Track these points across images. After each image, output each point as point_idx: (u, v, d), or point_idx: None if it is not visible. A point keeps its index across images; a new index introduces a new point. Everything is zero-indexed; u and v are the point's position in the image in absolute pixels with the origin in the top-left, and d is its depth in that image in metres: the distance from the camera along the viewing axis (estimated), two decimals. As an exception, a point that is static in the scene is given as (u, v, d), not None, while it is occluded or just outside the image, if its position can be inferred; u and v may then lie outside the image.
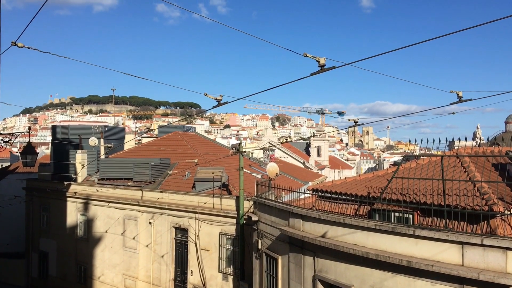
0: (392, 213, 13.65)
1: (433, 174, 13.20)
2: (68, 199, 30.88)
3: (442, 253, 10.82)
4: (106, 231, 28.74)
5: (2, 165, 41.32)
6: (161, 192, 26.52)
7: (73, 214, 30.80)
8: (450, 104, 11.26)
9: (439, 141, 12.25)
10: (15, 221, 35.68)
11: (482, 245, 10.21)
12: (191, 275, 24.58)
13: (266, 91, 11.22)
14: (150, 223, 26.51)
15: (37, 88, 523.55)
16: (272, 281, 17.33)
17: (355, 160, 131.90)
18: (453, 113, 15.13)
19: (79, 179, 31.88)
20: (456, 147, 16.00)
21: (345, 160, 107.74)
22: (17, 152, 47.48)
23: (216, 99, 11.70)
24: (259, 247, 18.32)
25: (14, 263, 34.65)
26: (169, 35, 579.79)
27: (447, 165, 13.94)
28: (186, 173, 28.17)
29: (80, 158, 32.04)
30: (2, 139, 20.11)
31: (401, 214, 13.47)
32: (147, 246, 26.71)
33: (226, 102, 11.88)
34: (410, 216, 13.19)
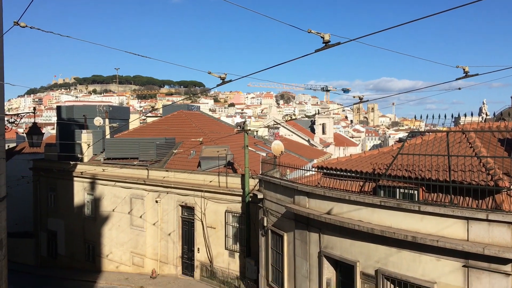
0: (397, 190, 13.67)
1: (438, 150, 13.15)
2: (75, 179, 31.12)
3: (447, 228, 10.87)
4: (113, 210, 29.03)
5: (8, 146, 41.60)
6: (166, 171, 26.66)
7: (80, 194, 31.09)
8: (457, 79, 11.14)
9: (445, 117, 12.17)
10: (23, 201, 36.08)
11: (487, 220, 10.24)
12: (198, 252, 24.89)
13: (270, 68, 11.14)
14: (156, 201, 26.72)
15: (41, 68, 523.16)
16: (278, 258, 17.53)
17: (360, 137, 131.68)
18: (459, 89, 14.99)
19: (85, 159, 32.06)
20: (462, 123, 15.90)
21: (350, 137, 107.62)
22: (23, 133, 47.75)
23: (220, 77, 11.63)
24: (265, 224, 18.48)
25: (23, 242, 35.17)
26: (173, 13, 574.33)
27: (453, 141, 13.88)
28: (191, 152, 28.25)
29: (85, 138, 32.16)
30: (7, 120, 20.14)
31: (406, 191, 13.49)
32: (154, 224, 26.99)
33: (230, 80, 11.80)
34: (415, 192, 13.20)
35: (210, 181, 24.28)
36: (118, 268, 28.88)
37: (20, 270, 32.00)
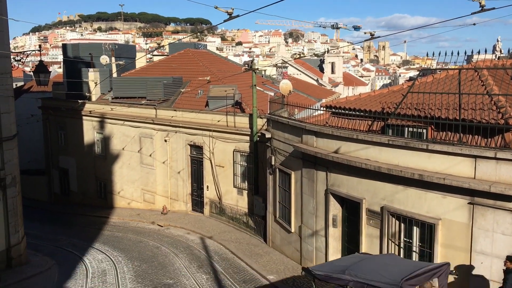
0: (406, 129, 13.61)
1: (449, 88, 12.92)
2: (84, 117, 31.31)
3: (454, 166, 10.90)
4: (123, 148, 29.40)
5: (16, 85, 41.51)
6: (174, 110, 26.67)
7: (89, 133, 31.40)
8: (472, 14, 10.74)
9: (458, 54, 11.86)
10: (34, 139, 36.53)
11: (495, 158, 10.24)
12: (207, 190, 25.41)
13: (279, 2, 10.74)
14: (165, 140, 26.96)
15: (44, 4, 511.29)
16: (286, 195, 17.87)
17: (370, 76, 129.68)
18: (474, 24, 14.49)
19: (93, 98, 32.08)
20: (474, 61, 15.51)
21: (360, 76, 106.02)
22: (29, 71, 47.50)
23: (227, 12, 11.29)
24: (273, 163, 18.68)
25: (36, 180, 36.04)
26: None
27: (465, 79, 13.61)
28: (199, 91, 28.10)
29: (92, 77, 31.99)
30: (14, 58, 19.99)
31: (415, 129, 13.43)
32: (163, 163, 27.40)
33: (238, 16, 11.47)
34: (424, 131, 13.14)
35: (218, 121, 24.32)
36: (130, 205, 29.71)
37: (35, 206, 33.06)
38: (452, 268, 10.48)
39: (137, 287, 15.83)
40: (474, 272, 10.97)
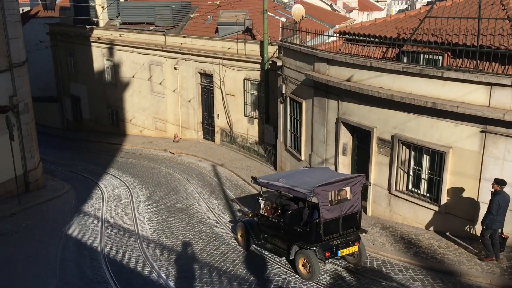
0: (422, 55, 13.27)
1: (469, 13, 12.38)
2: (93, 44, 30.88)
3: (469, 94, 10.73)
4: (133, 76, 29.23)
5: (23, 10, 40.67)
6: (184, 37, 26.14)
7: (99, 60, 31.11)
8: None
9: (481, -25, 11.26)
10: (44, 66, 36.35)
11: (511, 86, 10.03)
12: (218, 119, 25.50)
13: None
14: (175, 68, 26.69)
15: None
16: (296, 124, 17.89)
17: (386, 1, 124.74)
18: None
19: (101, 23, 31.42)
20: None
21: (376, 1, 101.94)
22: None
23: None
24: (284, 91, 18.52)
25: (49, 107, 36.33)
26: None
27: (485, 3, 13.03)
28: (208, 17, 27.34)
29: (99, 1, 31.16)
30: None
31: (430, 56, 13.09)
32: (174, 91, 27.31)
33: None
34: (440, 58, 12.81)
35: (228, 48, 23.85)
36: (142, 132, 30.05)
37: (49, 133, 33.60)
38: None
39: (151, 211, 16.40)
40: (482, 198, 11.14)
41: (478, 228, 11.13)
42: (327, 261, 10.84)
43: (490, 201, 10.21)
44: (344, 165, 15.10)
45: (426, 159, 12.42)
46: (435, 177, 12.17)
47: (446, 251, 11.38)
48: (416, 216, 12.74)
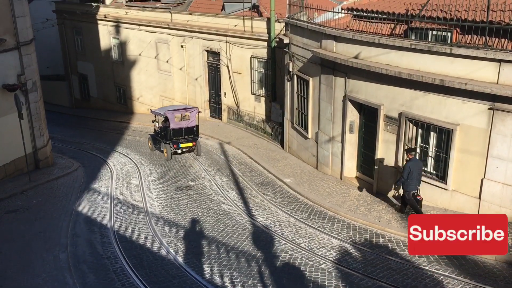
0: (430, 32, 13.13)
1: (479, -12, 12.19)
2: (99, 22, 30.76)
3: (477, 71, 10.65)
4: (139, 54, 29.17)
5: (28, -11, 40.52)
6: (190, 14, 25.95)
7: (106, 38, 31.03)
8: None
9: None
10: (51, 45, 36.37)
11: (520, 62, 9.94)
12: (225, 97, 25.48)
13: None
14: (181, 46, 26.59)
15: None
16: (303, 102, 17.86)
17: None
18: None
19: (107, 1, 31.25)
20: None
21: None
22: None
23: None
24: (291, 69, 18.43)
25: (56, 85, 36.43)
26: None
27: (497, -22, 12.77)
28: (215, -7, 27.08)
29: (105, -23, 30.98)
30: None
31: (439, 33, 12.94)
32: (180, 69, 27.26)
33: None
34: (449, 34, 12.66)
35: (235, 26, 23.67)
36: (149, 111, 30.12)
37: (57, 111, 33.77)
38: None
39: (159, 188, 16.59)
40: (488, 176, 11.16)
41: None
42: (178, 150, 19.67)
43: (403, 166, 12.14)
44: (351, 143, 15.13)
45: (433, 137, 12.42)
46: (442, 155, 12.18)
47: (451, 228, 11.45)
48: (422, 193, 12.78)
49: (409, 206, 12.38)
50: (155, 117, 20.99)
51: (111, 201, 15.46)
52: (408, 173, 11.67)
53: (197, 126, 20.17)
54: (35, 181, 17.29)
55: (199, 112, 20.51)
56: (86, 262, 11.34)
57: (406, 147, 12.51)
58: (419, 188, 12.10)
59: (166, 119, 19.77)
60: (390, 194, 13.84)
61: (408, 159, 11.98)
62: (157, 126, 20.80)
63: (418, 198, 12.16)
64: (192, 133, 19.94)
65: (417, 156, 12.73)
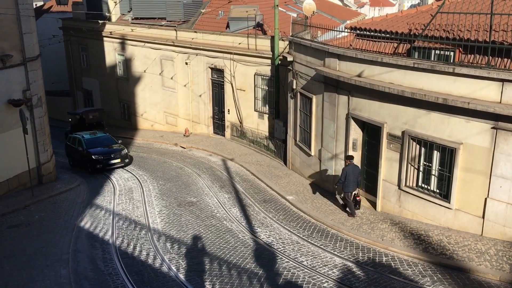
0: (433, 51, 13.21)
1: (481, 8, 12.32)
2: (105, 39, 31.11)
3: (480, 90, 10.69)
4: (144, 71, 29.42)
5: (36, 4, 41.05)
6: (195, 32, 26.22)
7: (111, 54, 31.34)
8: None
9: (494, -29, 11.19)
10: (57, 61, 36.76)
11: (523, 82, 9.98)
12: (228, 114, 25.58)
13: None
14: (186, 63, 26.81)
15: None
16: (306, 119, 17.91)
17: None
18: None
19: (113, 18, 31.63)
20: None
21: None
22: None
23: None
24: (294, 87, 18.54)
25: (61, 101, 36.69)
26: None
27: (499, -1, 12.91)
28: (219, 12, 27.38)
29: (111, -4, 31.40)
30: (31, -23, 19.59)
31: (442, 52, 13.02)
32: (185, 86, 27.44)
33: None
34: (452, 53, 12.74)
35: (239, 43, 23.90)
36: (153, 127, 30.26)
37: (61, 126, 33.87)
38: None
39: (162, 204, 16.56)
40: (492, 195, 11.11)
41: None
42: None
43: (342, 170, 13.82)
44: (354, 161, 15.08)
45: (436, 155, 12.40)
46: (445, 173, 12.15)
47: (455, 247, 11.39)
48: (425, 212, 12.74)
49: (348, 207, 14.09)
50: (72, 118, 27.42)
51: (113, 217, 15.43)
52: (345, 176, 13.45)
53: (102, 121, 27.25)
54: (38, 196, 17.30)
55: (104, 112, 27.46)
56: (87, 278, 11.27)
57: (346, 155, 14.54)
58: (358, 189, 14.17)
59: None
60: (393, 211, 13.77)
61: (347, 164, 13.72)
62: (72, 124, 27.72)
63: (358, 198, 14.18)
64: (100, 125, 26.52)
65: (420, 175, 12.69)
